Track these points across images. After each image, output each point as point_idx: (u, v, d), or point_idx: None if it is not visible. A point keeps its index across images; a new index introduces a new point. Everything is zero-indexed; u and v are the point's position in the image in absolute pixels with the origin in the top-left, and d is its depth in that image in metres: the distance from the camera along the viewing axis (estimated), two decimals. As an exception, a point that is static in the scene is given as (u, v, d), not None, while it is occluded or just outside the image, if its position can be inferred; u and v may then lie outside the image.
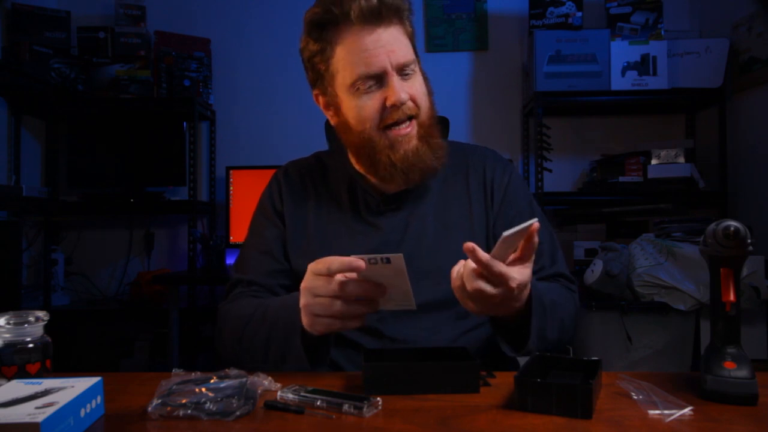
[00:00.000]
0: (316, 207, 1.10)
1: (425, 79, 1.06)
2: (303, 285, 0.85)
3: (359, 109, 0.99)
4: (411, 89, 0.99)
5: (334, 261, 0.80)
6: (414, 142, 1.00)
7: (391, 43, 0.96)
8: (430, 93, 1.05)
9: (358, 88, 0.98)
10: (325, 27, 0.98)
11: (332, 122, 1.07)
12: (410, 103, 0.99)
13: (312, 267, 0.84)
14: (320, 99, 1.06)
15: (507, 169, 1.14)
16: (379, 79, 0.97)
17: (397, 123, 0.98)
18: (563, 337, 1.00)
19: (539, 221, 1.10)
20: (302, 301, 0.85)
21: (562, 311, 0.99)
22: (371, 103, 0.98)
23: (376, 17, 0.95)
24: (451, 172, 1.12)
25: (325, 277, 0.81)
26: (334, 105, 1.03)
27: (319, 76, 1.03)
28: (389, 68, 0.96)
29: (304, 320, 0.86)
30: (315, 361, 0.91)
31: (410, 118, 0.99)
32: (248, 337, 0.97)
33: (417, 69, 1.02)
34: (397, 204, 1.08)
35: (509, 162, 1.19)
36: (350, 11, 0.95)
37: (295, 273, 1.08)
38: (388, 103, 0.97)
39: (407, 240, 1.05)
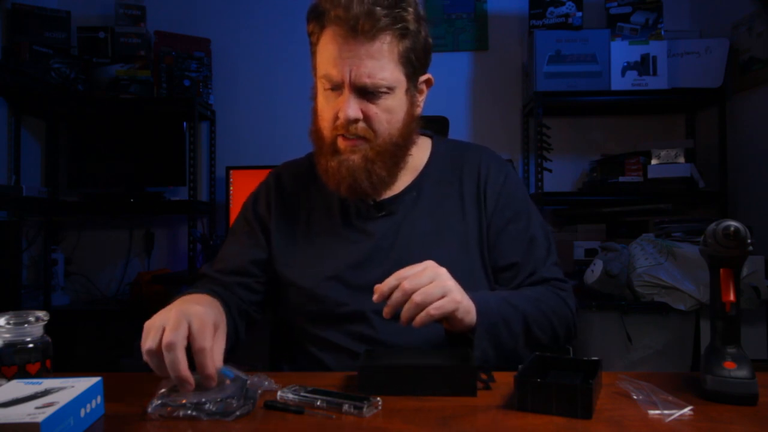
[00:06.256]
0: (308, 213, 1.09)
1: (411, 104, 1.01)
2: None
3: (322, 106, 1.00)
4: (369, 111, 0.95)
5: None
6: (354, 158, 0.97)
7: (359, 59, 0.92)
8: (405, 122, 1.00)
9: (324, 84, 0.98)
10: (320, 15, 0.97)
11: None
12: (362, 124, 0.96)
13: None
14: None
15: (503, 169, 1.11)
16: (339, 87, 0.95)
17: (345, 136, 0.97)
18: (542, 340, 0.96)
19: (536, 222, 1.10)
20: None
21: (530, 319, 0.95)
22: (329, 107, 0.98)
23: (352, 29, 0.91)
24: (446, 172, 1.10)
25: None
26: (314, 89, 1.04)
27: (313, 58, 1.04)
28: (347, 82, 0.93)
29: None
30: None
31: (362, 138, 0.97)
32: None
33: (393, 93, 0.96)
34: (389, 209, 1.05)
35: (506, 162, 1.16)
36: (327, 12, 0.93)
37: (282, 279, 1.07)
38: (340, 115, 0.95)
39: (398, 246, 1.03)
